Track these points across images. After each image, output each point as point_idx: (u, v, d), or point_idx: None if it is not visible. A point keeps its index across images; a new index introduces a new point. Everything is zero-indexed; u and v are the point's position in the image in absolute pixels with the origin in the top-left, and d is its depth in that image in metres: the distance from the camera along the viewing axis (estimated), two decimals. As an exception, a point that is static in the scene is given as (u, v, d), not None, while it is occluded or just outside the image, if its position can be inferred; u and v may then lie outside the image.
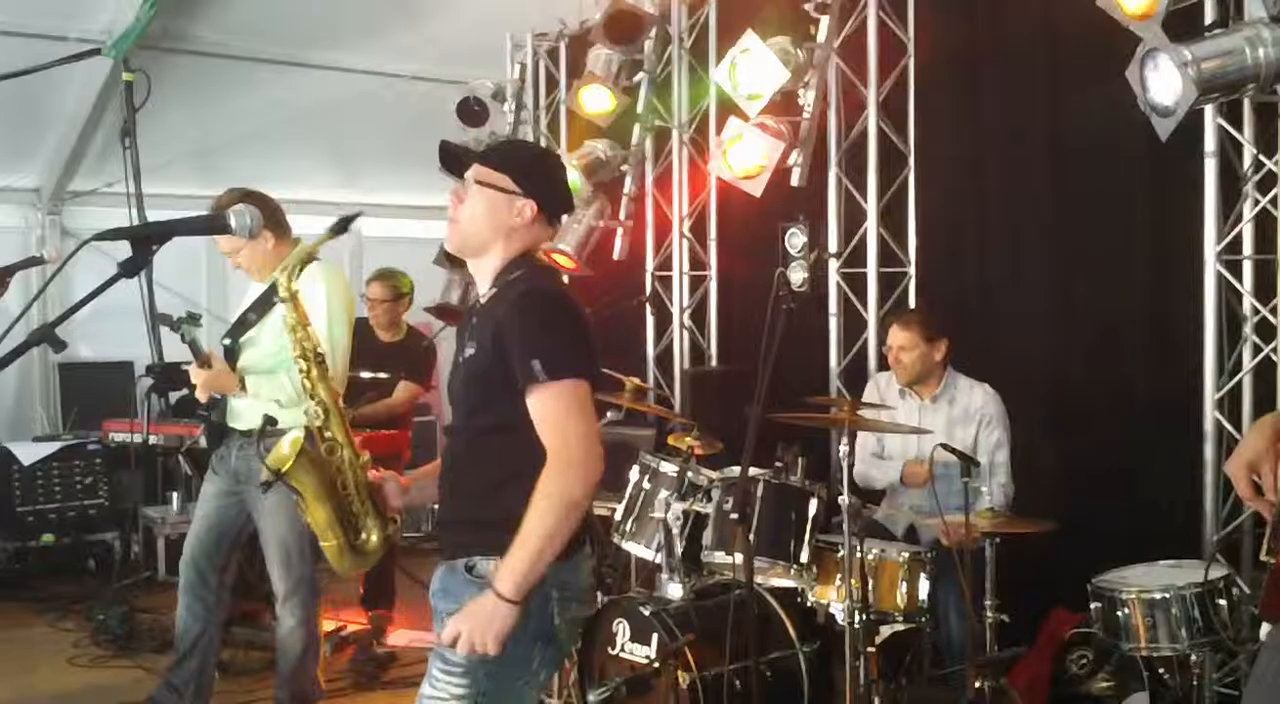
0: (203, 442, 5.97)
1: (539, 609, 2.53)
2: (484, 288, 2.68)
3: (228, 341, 4.34)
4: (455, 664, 2.50)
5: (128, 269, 2.28)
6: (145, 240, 2.31)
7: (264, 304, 4.31)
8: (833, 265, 5.61)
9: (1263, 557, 2.44)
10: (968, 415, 4.55)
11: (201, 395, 4.30)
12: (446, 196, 2.67)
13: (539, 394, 2.47)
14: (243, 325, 4.35)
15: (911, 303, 5.37)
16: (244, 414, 4.30)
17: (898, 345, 4.64)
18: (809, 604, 4.12)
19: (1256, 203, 4.15)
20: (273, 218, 4.25)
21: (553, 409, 2.47)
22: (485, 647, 2.44)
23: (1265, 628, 2.52)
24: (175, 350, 6.70)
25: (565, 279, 7.31)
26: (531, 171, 2.67)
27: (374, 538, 2.83)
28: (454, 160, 2.72)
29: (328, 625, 5.89)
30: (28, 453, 6.94)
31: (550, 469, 2.47)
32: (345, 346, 4.25)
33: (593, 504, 4.82)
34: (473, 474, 2.60)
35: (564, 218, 6.94)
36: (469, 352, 2.61)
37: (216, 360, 4.26)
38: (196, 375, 4.23)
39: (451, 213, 2.64)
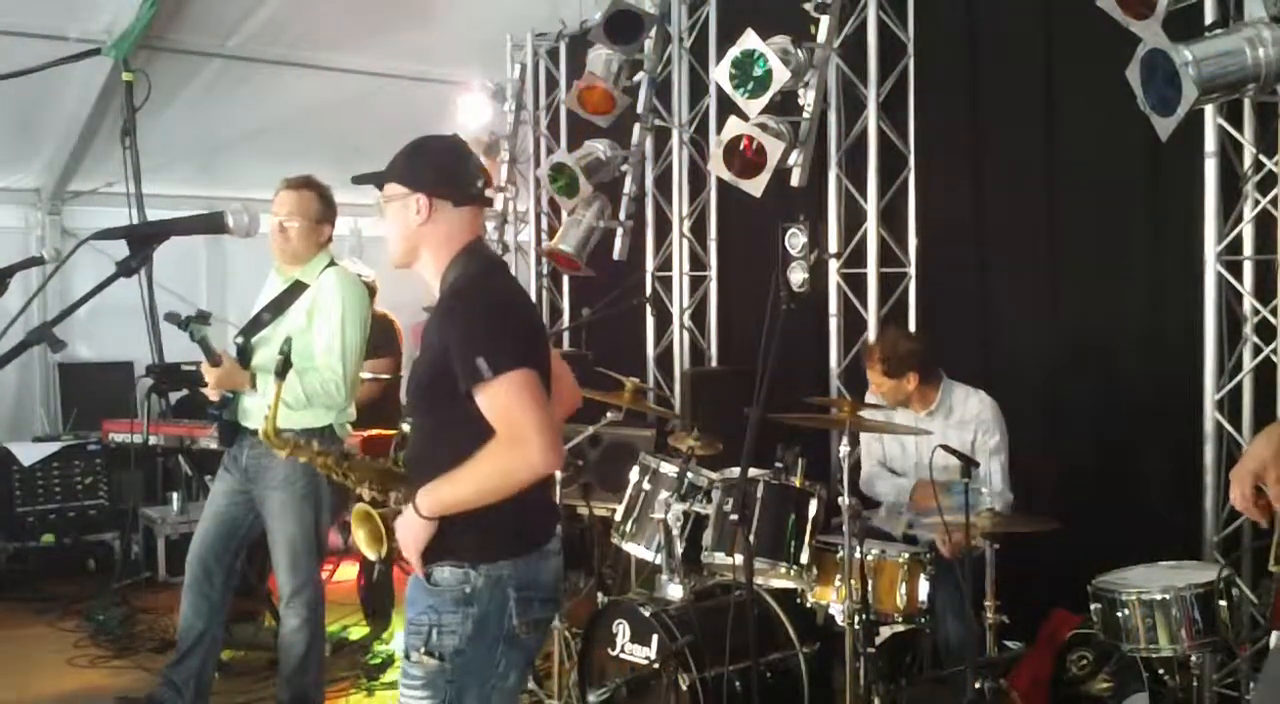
0: (202, 442, 5.99)
1: (497, 610, 2.53)
2: (435, 295, 2.70)
3: (240, 340, 4.34)
4: (415, 676, 2.51)
5: (126, 268, 2.28)
6: (143, 240, 2.31)
7: (279, 304, 4.32)
8: (833, 265, 5.61)
9: (1271, 567, 2.43)
10: (964, 423, 4.53)
11: (212, 394, 4.31)
12: None
13: (486, 390, 2.44)
14: (257, 324, 4.34)
15: (911, 304, 5.37)
16: (256, 413, 4.29)
17: (870, 379, 4.67)
18: (809, 605, 4.13)
19: (1256, 203, 4.15)
20: (334, 219, 4.36)
21: (502, 403, 2.44)
22: (411, 554, 2.54)
23: (1276, 636, 2.52)
24: (175, 350, 6.71)
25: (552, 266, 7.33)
26: (409, 166, 2.66)
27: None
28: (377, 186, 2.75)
29: (328, 627, 5.90)
30: (28, 453, 6.93)
31: (499, 443, 2.44)
32: (357, 348, 4.27)
33: (592, 510, 4.89)
34: (426, 477, 2.57)
35: (570, 203, 6.92)
36: (418, 355, 2.63)
37: (227, 358, 4.25)
38: (208, 374, 4.23)
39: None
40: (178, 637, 4.54)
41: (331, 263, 4.37)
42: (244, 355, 4.30)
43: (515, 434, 2.43)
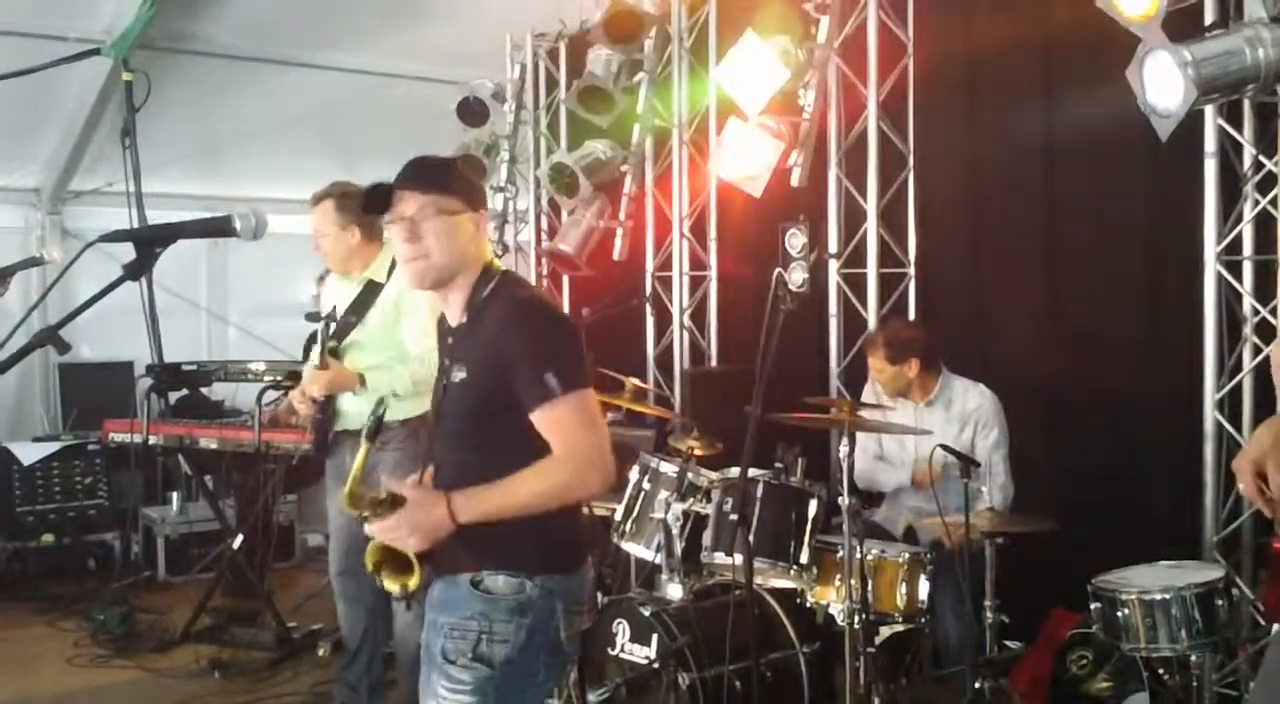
0: (203, 442, 5.99)
1: (545, 622, 2.54)
2: (455, 311, 2.64)
3: (333, 344, 4.40)
4: (464, 682, 2.50)
5: (132, 271, 2.28)
6: (150, 242, 2.31)
7: (360, 306, 4.40)
8: (833, 265, 5.62)
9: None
10: (964, 417, 4.54)
11: (304, 405, 4.38)
12: (396, 230, 2.55)
13: (554, 407, 2.43)
14: (345, 329, 4.43)
15: (911, 304, 5.38)
16: (354, 414, 4.36)
17: (872, 366, 4.70)
18: (809, 605, 4.13)
19: (1256, 203, 4.15)
20: (366, 217, 4.32)
21: (570, 421, 2.44)
22: (407, 539, 2.47)
23: (1276, 628, 2.53)
24: (175, 351, 6.74)
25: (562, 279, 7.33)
26: (466, 185, 2.63)
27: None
28: (381, 199, 2.60)
29: (328, 626, 5.90)
30: (28, 453, 6.93)
31: (558, 460, 2.45)
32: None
33: (593, 511, 4.89)
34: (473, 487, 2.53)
35: (570, 203, 6.93)
36: (460, 375, 2.57)
37: (331, 361, 4.34)
38: (316, 378, 4.32)
39: (411, 252, 2.55)
40: (344, 642, 4.67)
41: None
42: (336, 358, 4.40)
43: (579, 454, 2.44)
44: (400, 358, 4.33)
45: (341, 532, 4.52)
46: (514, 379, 2.46)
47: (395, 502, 2.54)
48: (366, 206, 2.62)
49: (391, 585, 2.61)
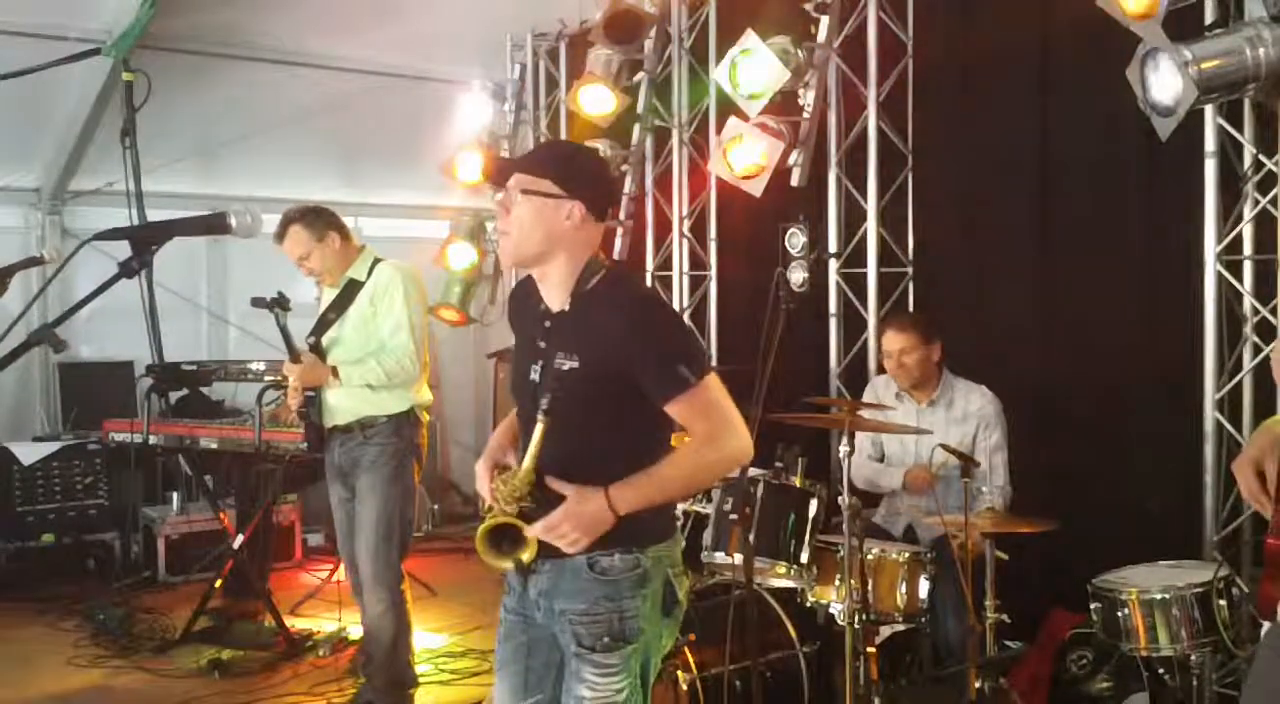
0: (203, 442, 5.99)
1: (664, 587, 2.63)
2: (557, 299, 2.65)
3: (312, 340, 4.48)
4: (612, 664, 2.57)
5: (127, 269, 2.28)
6: (145, 240, 2.31)
7: (341, 303, 4.48)
8: (833, 265, 5.62)
9: None
10: (965, 418, 4.54)
11: (294, 399, 4.46)
12: (495, 207, 2.66)
13: (692, 396, 2.52)
14: (324, 324, 4.49)
15: (911, 304, 5.38)
16: (339, 409, 4.42)
17: (898, 349, 4.59)
18: (809, 604, 4.12)
19: (1256, 203, 4.15)
20: (334, 222, 4.50)
21: (710, 401, 2.55)
22: (574, 541, 2.50)
23: (1265, 626, 2.53)
24: (175, 350, 6.73)
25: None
26: (571, 171, 2.66)
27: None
28: (499, 173, 2.70)
29: (328, 626, 5.90)
30: (28, 453, 6.92)
31: (711, 438, 2.55)
32: (422, 327, 4.45)
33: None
34: (590, 475, 2.53)
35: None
36: (571, 363, 2.57)
37: (306, 354, 4.40)
38: (290, 371, 4.41)
39: (501, 225, 2.62)
40: (364, 639, 4.72)
41: (379, 259, 4.54)
42: (318, 355, 4.45)
43: (728, 427, 2.56)
44: (380, 352, 4.39)
45: (340, 530, 4.57)
46: (641, 373, 2.53)
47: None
48: (492, 180, 2.68)
49: (504, 562, 2.58)
